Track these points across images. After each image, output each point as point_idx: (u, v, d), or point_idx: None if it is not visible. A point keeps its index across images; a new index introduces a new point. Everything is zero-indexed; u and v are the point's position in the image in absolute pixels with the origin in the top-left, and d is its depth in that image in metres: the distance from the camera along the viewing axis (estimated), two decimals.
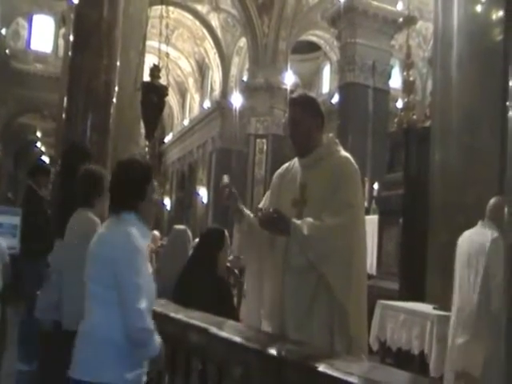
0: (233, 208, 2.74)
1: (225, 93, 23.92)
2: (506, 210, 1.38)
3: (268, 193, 2.94)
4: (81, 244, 3.49)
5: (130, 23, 7.24)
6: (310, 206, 2.61)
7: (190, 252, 4.13)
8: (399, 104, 9.02)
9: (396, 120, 8.41)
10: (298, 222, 2.48)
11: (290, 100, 2.82)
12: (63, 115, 6.07)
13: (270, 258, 2.72)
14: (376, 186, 10.08)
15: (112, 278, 2.28)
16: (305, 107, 2.70)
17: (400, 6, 13.96)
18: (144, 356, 2.38)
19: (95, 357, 2.29)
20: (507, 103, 1.37)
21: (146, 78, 7.07)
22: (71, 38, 6.10)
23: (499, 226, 4.04)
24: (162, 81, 6.96)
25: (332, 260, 2.47)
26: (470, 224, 5.51)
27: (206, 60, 26.08)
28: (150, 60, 8.17)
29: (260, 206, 2.86)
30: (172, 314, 2.82)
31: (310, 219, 2.49)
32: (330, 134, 2.87)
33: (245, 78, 21.88)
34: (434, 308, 5.38)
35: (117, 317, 2.28)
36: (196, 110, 29.11)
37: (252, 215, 2.77)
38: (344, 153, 2.72)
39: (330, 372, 1.82)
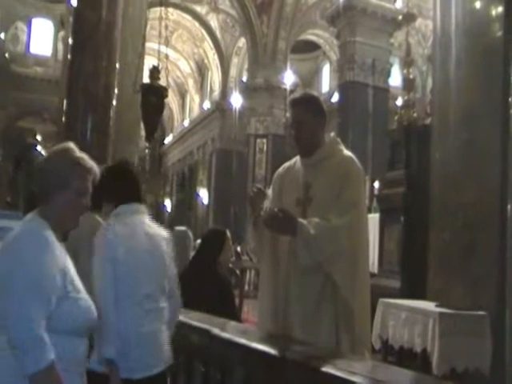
0: (254, 208, 2.72)
1: (224, 93, 23.93)
2: (508, 207, 1.37)
3: (269, 192, 2.92)
4: (90, 249, 3.47)
5: (129, 25, 7.24)
6: (314, 205, 2.59)
7: (191, 253, 4.13)
8: (399, 102, 8.99)
9: (396, 118, 8.39)
10: (304, 221, 2.47)
11: (292, 100, 2.78)
12: (63, 118, 6.06)
13: (273, 257, 2.70)
14: (377, 184, 10.07)
15: None
16: (307, 107, 2.68)
17: (399, 4, 13.96)
18: None
19: None
20: (510, 99, 1.36)
21: (146, 79, 7.07)
22: (70, 40, 6.08)
23: None
24: (162, 82, 6.95)
25: (339, 259, 2.47)
26: (471, 221, 5.51)
27: (206, 61, 26.09)
28: (149, 62, 8.16)
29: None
30: None
31: (316, 219, 2.48)
32: (332, 134, 2.86)
33: (244, 79, 21.90)
34: (436, 305, 5.37)
35: None
36: (196, 111, 29.13)
37: None
38: (347, 152, 2.71)
39: (333, 372, 1.81)
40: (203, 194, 25.44)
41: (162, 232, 2.52)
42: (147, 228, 2.46)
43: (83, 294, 1.80)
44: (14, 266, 1.66)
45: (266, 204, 2.84)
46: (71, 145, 1.90)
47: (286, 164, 2.89)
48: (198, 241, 4.31)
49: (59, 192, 1.80)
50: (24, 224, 1.82)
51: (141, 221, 2.48)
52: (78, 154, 1.87)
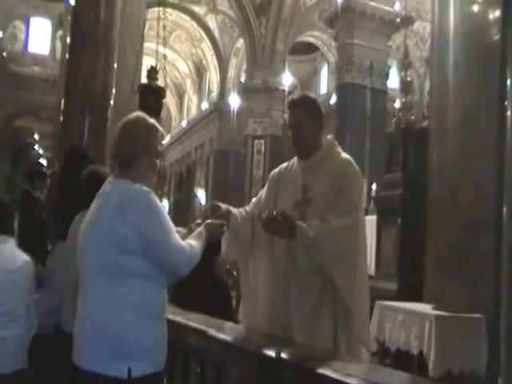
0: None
1: (222, 94, 23.91)
2: (504, 209, 1.37)
3: (262, 192, 2.91)
4: None
5: (128, 25, 7.22)
6: (312, 207, 2.59)
7: None
8: (397, 104, 8.99)
9: (394, 120, 8.40)
10: (303, 224, 2.46)
11: (291, 102, 2.79)
12: (61, 118, 6.05)
13: (269, 259, 2.70)
14: (374, 186, 10.07)
15: None
16: (306, 109, 2.69)
17: (397, 7, 13.96)
18: None
19: None
20: (506, 102, 1.36)
21: (144, 79, 7.07)
22: (68, 39, 6.08)
23: None
24: (160, 83, 6.95)
25: (339, 261, 2.47)
26: (468, 223, 5.51)
27: (204, 61, 26.07)
28: (147, 62, 8.17)
29: (253, 201, 2.87)
30: (170, 316, 2.81)
31: (315, 220, 2.48)
32: (329, 136, 2.86)
33: (242, 80, 21.88)
34: (433, 308, 5.37)
35: None
36: (194, 112, 29.10)
37: (236, 211, 2.73)
38: (345, 155, 2.72)
39: (328, 373, 1.81)
40: (201, 195, 25.41)
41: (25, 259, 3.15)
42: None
43: None
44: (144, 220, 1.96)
45: (257, 201, 2.84)
46: (142, 113, 2.07)
47: (283, 165, 2.89)
48: None
49: (143, 156, 1.98)
50: (122, 186, 1.96)
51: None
52: (151, 119, 2.05)
